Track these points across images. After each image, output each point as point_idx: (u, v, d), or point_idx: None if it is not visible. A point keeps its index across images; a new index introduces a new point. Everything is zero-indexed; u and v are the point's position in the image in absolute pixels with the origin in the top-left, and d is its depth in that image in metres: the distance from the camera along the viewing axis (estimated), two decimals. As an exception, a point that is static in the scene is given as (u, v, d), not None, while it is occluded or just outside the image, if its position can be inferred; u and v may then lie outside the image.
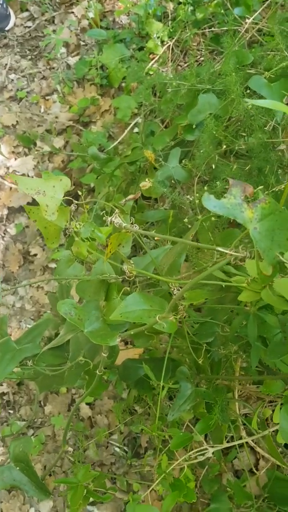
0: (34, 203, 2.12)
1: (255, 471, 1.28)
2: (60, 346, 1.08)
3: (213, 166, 1.14)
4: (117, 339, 0.76)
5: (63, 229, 1.01)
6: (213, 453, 1.27)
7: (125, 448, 1.65)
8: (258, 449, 1.09)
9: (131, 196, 0.85)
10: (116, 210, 0.80)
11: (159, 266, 0.95)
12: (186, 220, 1.06)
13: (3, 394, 1.69)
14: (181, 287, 0.82)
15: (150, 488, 0.98)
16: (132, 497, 0.97)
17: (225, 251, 0.62)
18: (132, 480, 1.56)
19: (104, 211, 0.89)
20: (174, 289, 0.84)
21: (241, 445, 1.40)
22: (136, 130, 2.01)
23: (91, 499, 1.54)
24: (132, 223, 0.80)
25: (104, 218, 0.82)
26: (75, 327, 0.88)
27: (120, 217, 0.79)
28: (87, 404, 1.68)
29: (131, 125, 1.94)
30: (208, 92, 1.27)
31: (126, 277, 0.87)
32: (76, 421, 1.66)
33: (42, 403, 1.70)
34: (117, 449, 1.64)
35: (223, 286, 0.82)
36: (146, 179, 1.03)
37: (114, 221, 0.79)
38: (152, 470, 1.58)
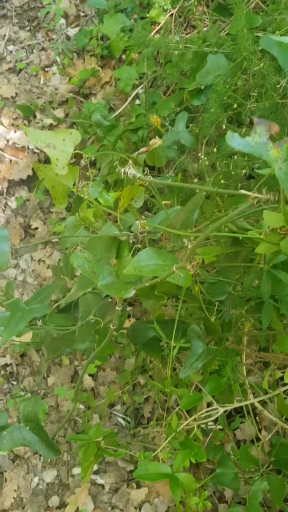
0: (34, 177, 2.10)
1: (260, 437, 1.28)
2: (68, 309, 1.07)
3: (224, 126, 1.11)
4: (132, 292, 0.74)
5: (70, 188, 0.99)
6: (217, 420, 1.27)
7: (128, 418, 1.65)
8: (266, 413, 1.09)
9: (143, 149, 0.83)
10: (130, 161, 0.78)
11: (171, 224, 0.93)
12: (195, 180, 1.04)
13: (6, 365, 1.68)
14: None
15: (159, 449, 0.97)
16: (144, 455, 0.97)
17: (248, 193, 0.61)
18: (135, 449, 1.57)
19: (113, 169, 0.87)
20: (188, 243, 0.82)
21: (245, 415, 1.40)
22: (137, 102, 1.98)
23: (94, 468, 1.55)
24: (145, 174, 0.78)
25: (117, 169, 0.80)
26: (87, 283, 0.87)
27: (133, 167, 0.78)
28: (90, 375, 1.67)
29: (133, 95, 1.91)
30: (217, 53, 1.24)
31: (138, 233, 0.85)
32: (80, 392, 1.65)
33: (45, 374, 1.69)
34: (120, 420, 1.64)
35: (240, 238, 0.80)
36: (156, 137, 1.01)
37: (127, 172, 0.77)
38: (155, 440, 1.59)
